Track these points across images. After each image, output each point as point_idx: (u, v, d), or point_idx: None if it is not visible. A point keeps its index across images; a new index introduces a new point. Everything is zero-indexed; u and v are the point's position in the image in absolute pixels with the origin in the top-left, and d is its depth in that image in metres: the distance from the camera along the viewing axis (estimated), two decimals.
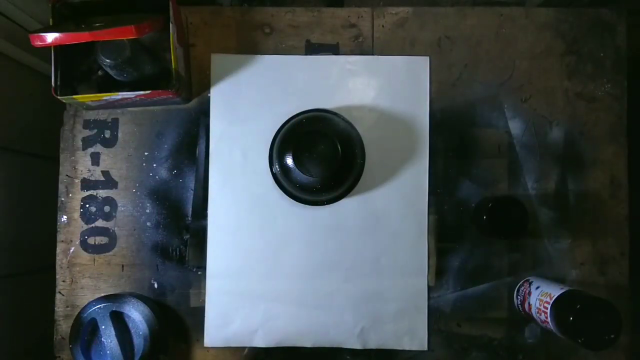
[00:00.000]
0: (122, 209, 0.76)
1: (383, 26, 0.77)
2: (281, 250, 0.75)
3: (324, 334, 0.74)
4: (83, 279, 0.75)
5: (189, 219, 0.76)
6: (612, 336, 0.60)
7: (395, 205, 0.75)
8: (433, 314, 0.75)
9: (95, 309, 0.69)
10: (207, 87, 0.76)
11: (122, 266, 0.75)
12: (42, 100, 0.79)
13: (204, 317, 0.74)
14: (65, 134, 0.76)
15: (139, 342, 0.69)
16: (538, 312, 0.67)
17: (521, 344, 0.75)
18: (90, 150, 0.76)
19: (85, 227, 0.76)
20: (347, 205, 0.75)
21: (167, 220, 0.76)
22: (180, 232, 0.76)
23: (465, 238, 0.76)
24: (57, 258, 0.76)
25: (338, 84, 0.76)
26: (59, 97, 0.68)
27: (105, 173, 0.76)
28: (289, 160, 0.69)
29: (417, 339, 0.74)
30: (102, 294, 0.73)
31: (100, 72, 0.71)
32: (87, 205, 0.76)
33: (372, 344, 0.74)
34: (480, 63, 0.77)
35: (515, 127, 0.76)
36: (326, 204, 0.74)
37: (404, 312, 0.74)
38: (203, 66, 0.77)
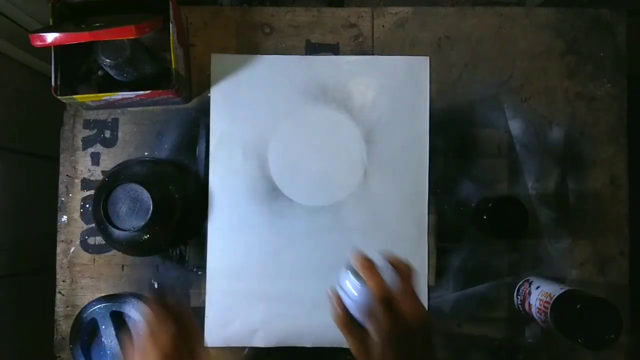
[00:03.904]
0: None
1: (383, 26, 0.77)
2: (281, 250, 0.75)
3: (324, 334, 0.74)
4: (83, 279, 0.75)
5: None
6: (612, 336, 0.60)
7: (395, 205, 0.75)
8: (433, 314, 0.75)
9: (95, 309, 0.69)
10: (207, 87, 0.76)
11: (122, 266, 0.75)
12: (42, 100, 0.79)
13: (204, 317, 0.74)
14: (65, 134, 0.76)
15: None
16: (538, 312, 0.67)
17: (521, 344, 0.75)
18: (90, 150, 0.76)
19: (85, 227, 0.75)
20: (347, 205, 0.75)
21: None
22: None
23: (465, 238, 0.76)
24: (57, 258, 0.76)
25: (338, 84, 0.76)
26: (59, 97, 0.68)
27: (105, 173, 0.76)
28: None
29: None
30: (102, 294, 0.73)
31: (100, 72, 0.71)
32: (87, 205, 0.76)
33: None
34: (480, 63, 0.77)
35: (515, 127, 0.76)
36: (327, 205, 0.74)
37: None
38: (203, 66, 0.77)
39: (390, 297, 0.49)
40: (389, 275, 0.51)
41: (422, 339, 0.51)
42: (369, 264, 0.50)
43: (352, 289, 0.51)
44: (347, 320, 0.52)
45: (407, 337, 0.49)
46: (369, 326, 0.51)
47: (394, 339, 0.49)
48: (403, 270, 0.52)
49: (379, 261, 0.52)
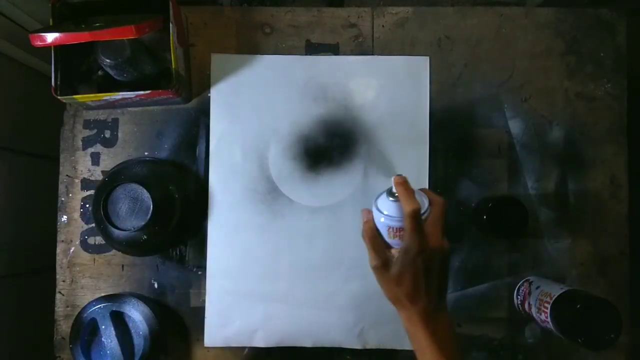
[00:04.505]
0: None
1: (383, 26, 0.77)
2: (281, 250, 0.75)
3: (324, 334, 0.74)
4: (83, 279, 0.75)
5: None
6: (612, 336, 0.60)
7: None
8: None
9: (95, 309, 0.69)
10: (207, 87, 0.76)
11: (122, 266, 0.75)
12: (42, 100, 0.79)
13: (204, 317, 0.74)
14: (65, 134, 0.76)
15: (139, 342, 0.69)
16: (538, 312, 0.67)
17: (521, 344, 0.75)
18: (90, 150, 0.76)
19: (85, 227, 0.75)
20: (347, 205, 0.75)
21: None
22: None
23: (465, 238, 0.76)
24: (57, 258, 0.76)
25: (338, 84, 0.76)
26: (59, 97, 0.68)
27: (105, 173, 0.76)
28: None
29: None
30: (102, 294, 0.73)
31: (100, 72, 0.71)
32: (87, 205, 0.76)
33: (372, 344, 0.74)
34: (480, 63, 0.77)
35: (515, 127, 0.76)
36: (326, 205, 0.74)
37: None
38: (203, 66, 0.77)
39: (420, 219, 0.52)
40: (424, 201, 0.54)
41: (439, 269, 0.53)
42: (406, 184, 0.53)
43: (386, 207, 0.54)
44: (374, 235, 0.55)
45: (427, 260, 0.52)
46: (394, 243, 0.54)
47: (414, 256, 0.51)
48: (436, 200, 0.55)
49: (418, 190, 0.55)
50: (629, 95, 0.77)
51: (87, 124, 0.76)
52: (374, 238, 0.55)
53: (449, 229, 0.75)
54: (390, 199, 0.54)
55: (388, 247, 0.56)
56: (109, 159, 0.76)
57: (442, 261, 0.54)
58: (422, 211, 0.53)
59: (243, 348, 0.75)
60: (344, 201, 0.75)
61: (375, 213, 0.55)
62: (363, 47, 0.77)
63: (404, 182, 0.53)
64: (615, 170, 0.76)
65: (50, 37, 0.60)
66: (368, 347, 0.74)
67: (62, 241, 0.76)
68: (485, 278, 0.75)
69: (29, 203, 0.86)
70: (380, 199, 0.55)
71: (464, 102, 0.77)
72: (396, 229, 0.53)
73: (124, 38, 0.61)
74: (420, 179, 0.75)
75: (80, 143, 0.76)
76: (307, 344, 0.74)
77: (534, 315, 0.69)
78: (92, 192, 0.75)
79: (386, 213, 0.54)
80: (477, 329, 0.75)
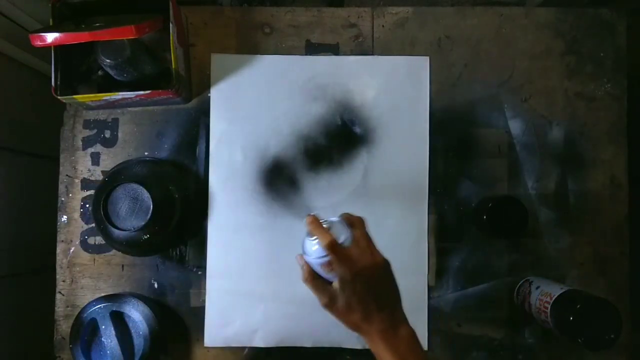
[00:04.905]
0: None
1: (383, 26, 0.77)
2: (281, 250, 0.75)
3: (324, 334, 0.74)
4: (83, 279, 0.75)
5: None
6: (612, 336, 0.60)
7: (395, 205, 0.75)
8: (433, 314, 0.75)
9: (95, 309, 0.69)
10: (207, 87, 0.76)
11: (122, 266, 0.75)
12: (42, 100, 0.79)
13: (204, 317, 0.74)
14: (65, 134, 0.76)
15: (139, 342, 0.69)
16: (538, 312, 0.67)
17: (521, 344, 0.75)
18: (90, 150, 0.76)
19: (85, 227, 0.75)
20: (347, 205, 0.75)
21: None
22: None
23: (465, 238, 0.76)
24: (57, 258, 0.76)
25: (338, 84, 0.76)
26: (59, 97, 0.68)
27: (105, 173, 0.76)
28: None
29: None
30: (102, 294, 0.73)
31: (100, 72, 0.71)
32: (87, 205, 0.76)
33: None
34: (480, 63, 0.77)
35: (515, 127, 0.76)
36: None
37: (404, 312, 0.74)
38: (203, 66, 0.77)
39: (341, 246, 0.53)
40: (342, 229, 0.55)
41: (382, 284, 0.54)
42: (315, 221, 0.55)
43: (310, 248, 0.55)
44: (313, 278, 0.55)
45: (365, 281, 0.53)
46: (332, 277, 0.54)
47: (351, 283, 0.52)
48: (354, 221, 0.56)
49: (332, 219, 0.56)
50: (629, 95, 0.77)
51: (87, 124, 0.76)
52: (314, 280, 0.55)
53: (449, 229, 0.76)
54: (310, 238, 0.55)
55: (330, 283, 0.55)
56: (109, 159, 0.76)
57: (383, 276, 0.54)
58: (342, 239, 0.54)
59: (243, 348, 0.75)
60: (344, 201, 0.75)
61: (305, 256, 0.56)
62: (363, 47, 0.77)
63: (312, 221, 0.55)
64: (615, 170, 0.76)
65: (50, 37, 0.60)
66: (368, 347, 0.74)
67: (62, 241, 0.76)
68: (485, 278, 0.75)
69: (29, 203, 0.86)
70: (305, 241, 0.56)
71: (464, 102, 0.77)
72: (327, 264, 0.54)
73: (124, 38, 0.61)
74: (420, 179, 0.75)
75: (80, 143, 0.76)
76: (307, 344, 0.74)
77: (534, 315, 0.69)
78: (92, 192, 0.75)
79: (312, 252, 0.55)
80: (477, 329, 0.75)
